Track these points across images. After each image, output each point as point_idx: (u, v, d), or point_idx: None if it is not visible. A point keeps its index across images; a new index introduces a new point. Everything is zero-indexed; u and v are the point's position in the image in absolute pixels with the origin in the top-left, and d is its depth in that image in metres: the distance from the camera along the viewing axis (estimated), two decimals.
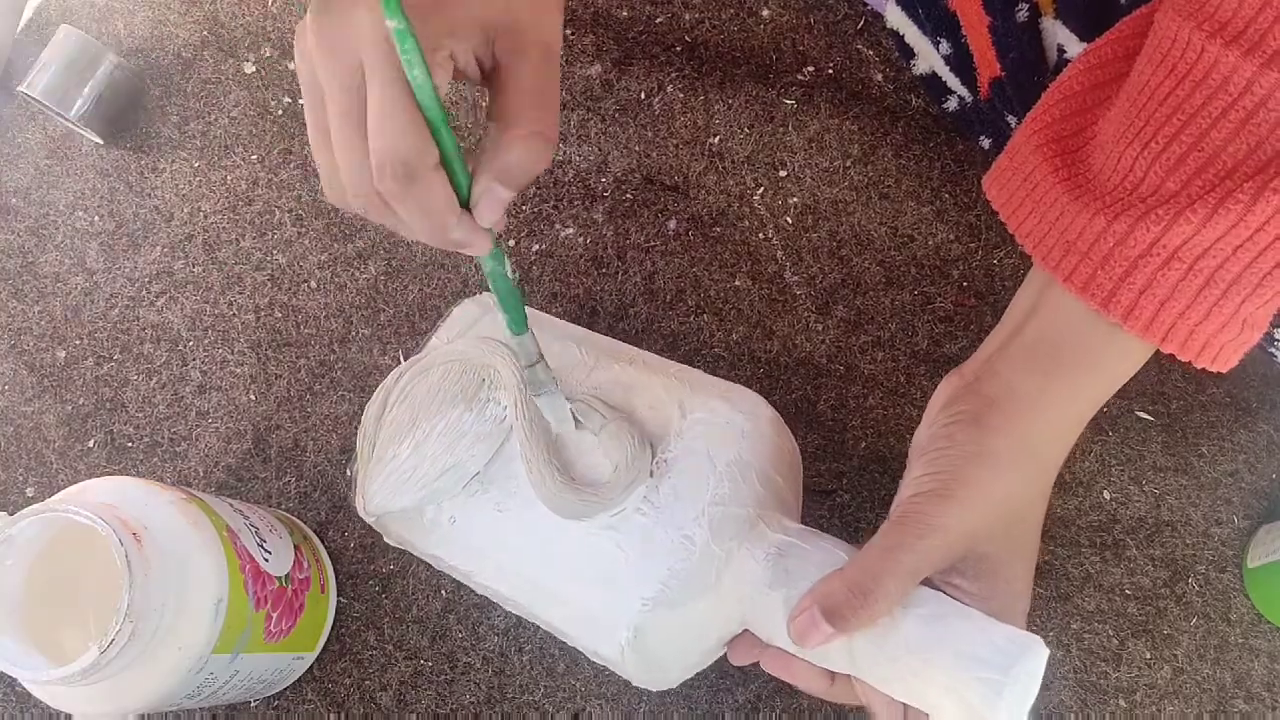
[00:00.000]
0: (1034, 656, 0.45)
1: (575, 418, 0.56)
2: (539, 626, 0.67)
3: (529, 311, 0.57)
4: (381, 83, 0.42)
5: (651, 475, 0.54)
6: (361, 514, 0.59)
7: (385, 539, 0.61)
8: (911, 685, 0.47)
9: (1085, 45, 0.59)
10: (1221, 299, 0.44)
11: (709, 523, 0.52)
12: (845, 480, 0.69)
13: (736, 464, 0.54)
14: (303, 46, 0.44)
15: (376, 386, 0.72)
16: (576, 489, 0.54)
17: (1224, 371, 0.47)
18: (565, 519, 0.54)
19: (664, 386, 0.57)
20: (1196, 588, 0.66)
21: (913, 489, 0.48)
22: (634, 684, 0.55)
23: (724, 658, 0.56)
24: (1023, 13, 0.62)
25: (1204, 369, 0.47)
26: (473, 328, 0.61)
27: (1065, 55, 0.61)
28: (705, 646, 0.55)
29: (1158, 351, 0.46)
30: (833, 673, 0.52)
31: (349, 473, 0.60)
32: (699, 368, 0.70)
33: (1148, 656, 0.65)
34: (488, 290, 0.57)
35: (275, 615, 0.61)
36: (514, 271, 0.51)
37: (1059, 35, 0.61)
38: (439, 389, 0.59)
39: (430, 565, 0.68)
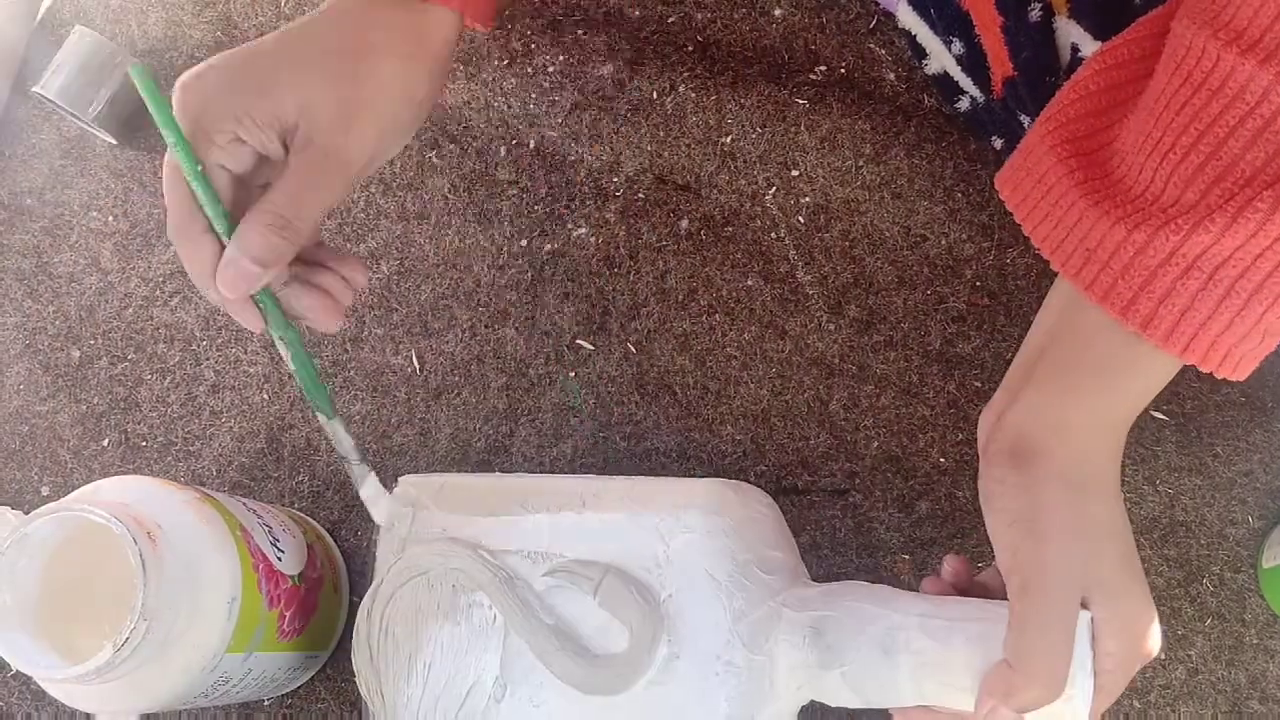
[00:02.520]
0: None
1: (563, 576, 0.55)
2: None
3: (453, 482, 0.59)
4: (169, 164, 0.50)
5: (665, 619, 0.53)
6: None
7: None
8: None
9: (1099, 44, 0.59)
10: (1244, 309, 0.44)
11: (741, 641, 0.52)
12: (858, 480, 0.69)
13: (738, 569, 0.53)
14: None
15: (390, 385, 0.72)
16: (603, 665, 0.52)
17: (1242, 379, 0.47)
18: (598, 695, 0.52)
19: (630, 520, 0.55)
20: (1211, 588, 0.65)
21: (1009, 558, 0.48)
22: None
23: None
24: (1035, 12, 0.61)
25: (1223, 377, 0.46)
26: (411, 529, 0.58)
27: (1079, 54, 0.60)
28: None
29: None
30: None
31: None
32: (711, 368, 0.70)
33: (1162, 657, 0.65)
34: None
35: (288, 614, 0.61)
36: (301, 354, 0.55)
37: (1072, 34, 0.61)
38: (415, 611, 0.56)
39: None
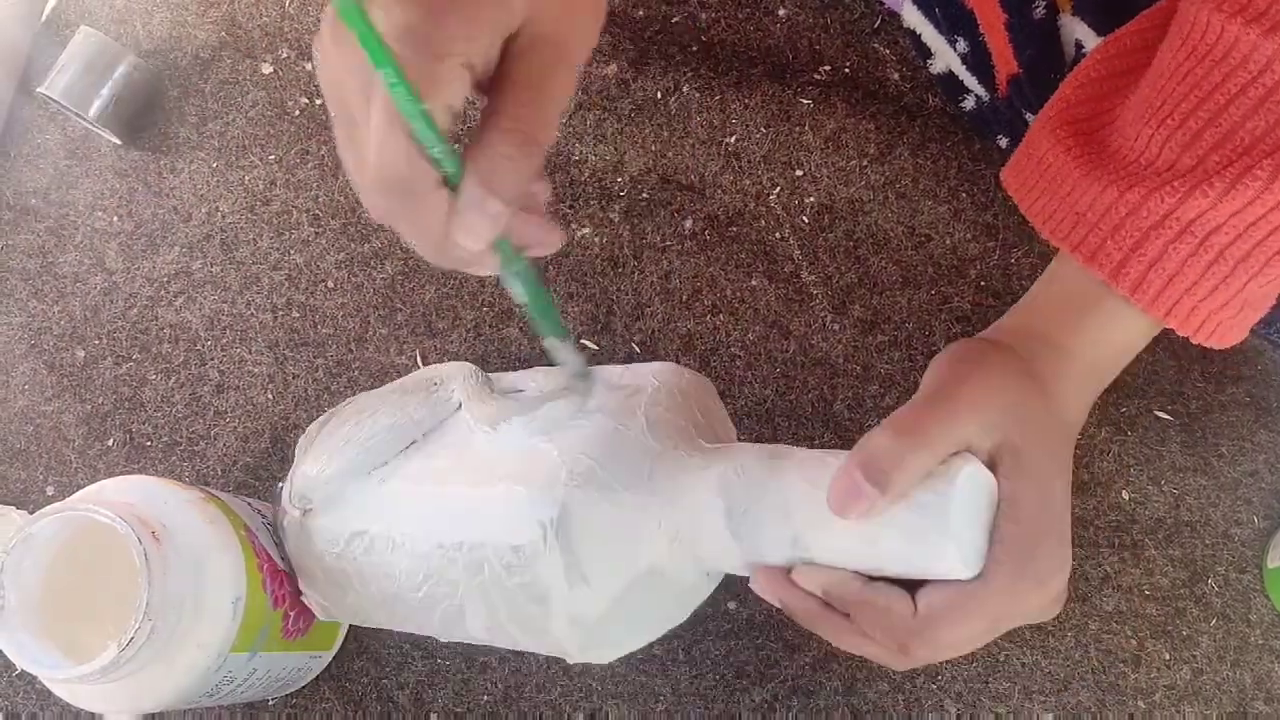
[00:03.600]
0: (971, 467, 0.43)
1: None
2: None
3: None
4: (381, 106, 0.40)
5: (597, 392, 0.54)
6: (289, 512, 0.58)
7: (311, 606, 0.60)
8: (863, 549, 0.45)
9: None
10: (1229, 276, 0.44)
11: (646, 417, 0.52)
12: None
13: (676, 390, 0.54)
14: (321, 55, 0.42)
15: None
16: (505, 394, 0.55)
17: (1220, 347, 0.46)
18: (497, 422, 0.54)
19: (609, 367, 0.59)
20: (1216, 588, 0.65)
21: (934, 373, 0.46)
22: (563, 643, 0.51)
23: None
24: (1039, 9, 0.61)
25: (1201, 346, 0.46)
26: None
27: (1083, 51, 0.60)
28: (636, 569, 0.50)
29: (1176, 352, 0.46)
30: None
31: (277, 488, 0.59)
32: (715, 368, 0.70)
33: (1167, 658, 0.65)
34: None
35: (293, 614, 0.61)
36: (532, 277, 0.48)
37: (1077, 31, 0.61)
38: (386, 393, 0.60)
39: None
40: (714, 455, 0.50)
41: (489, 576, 0.51)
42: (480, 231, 0.42)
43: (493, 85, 0.43)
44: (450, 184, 0.42)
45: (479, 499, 0.52)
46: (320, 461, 0.57)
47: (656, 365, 0.57)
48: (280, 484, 0.60)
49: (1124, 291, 0.45)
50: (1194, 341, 0.46)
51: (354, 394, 0.73)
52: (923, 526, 0.43)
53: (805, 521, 0.46)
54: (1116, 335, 0.48)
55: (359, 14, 0.38)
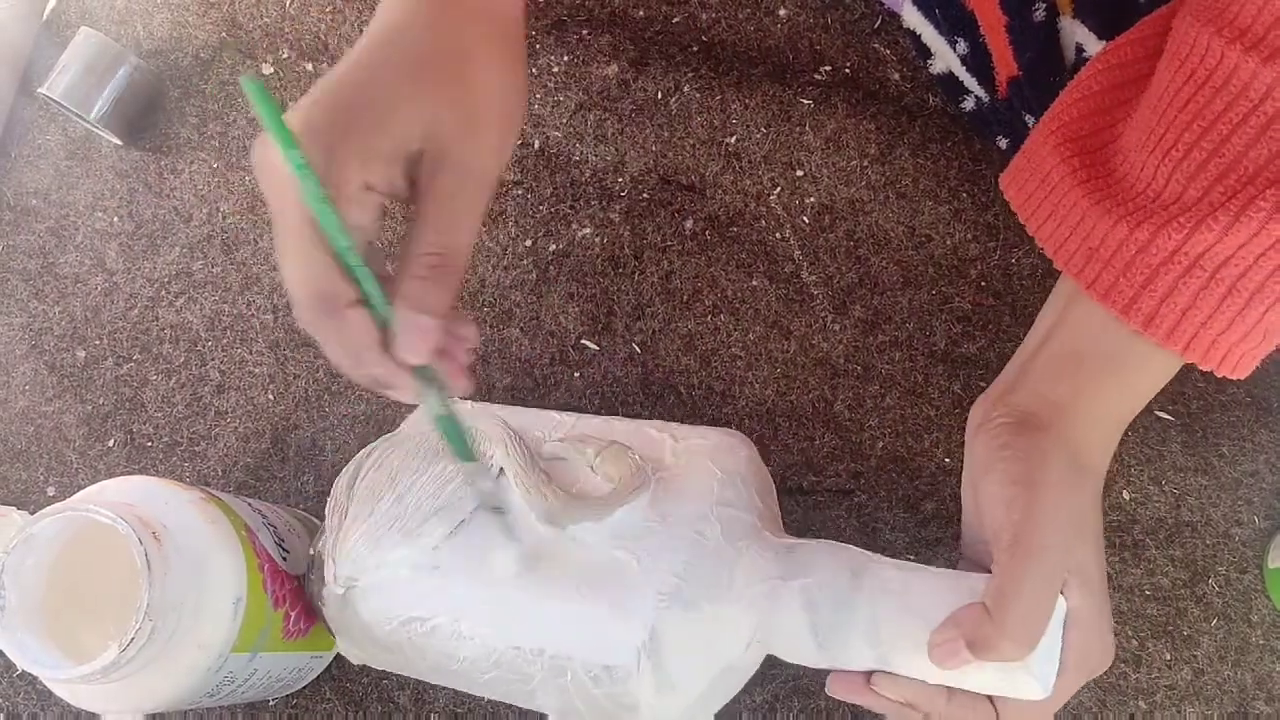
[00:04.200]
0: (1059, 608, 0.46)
1: (560, 456, 0.56)
2: None
3: (496, 409, 0.59)
4: (294, 221, 0.42)
5: (653, 486, 0.53)
6: (330, 586, 0.56)
7: (347, 654, 0.58)
8: (948, 675, 0.47)
9: (1104, 44, 0.59)
10: (1245, 308, 0.44)
11: (719, 521, 0.52)
12: (862, 480, 0.69)
13: (737, 475, 0.54)
14: (261, 160, 0.44)
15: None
16: (576, 498, 0.53)
17: (1242, 378, 0.47)
18: (565, 525, 0.53)
19: (650, 427, 0.57)
20: (1217, 588, 0.65)
21: (1003, 516, 0.47)
22: (644, 713, 0.52)
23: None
24: (1039, 12, 0.61)
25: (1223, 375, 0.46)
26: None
27: (1084, 54, 0.60)
28: (714, 670, 0.53)
29: None
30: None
31: (311, 551, 0.57)
32: (715, 368, 0.70)
33: (1168, 658, 0.64)
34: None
35: (293, 614, 0.61)
36: (449, 403, 0.49)
37: (1077, 34, 0.61)
38: (418, 450, 0.57)
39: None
40: (791, 563, 0.51)
41: (572, 681, 0.52)
42: (416, 346, 0.44)
43: (414, 208, 0.45)
44: (366, 303, 0.44)
45: (562, 614, 0.52)
46: (364, 543, 0.55)
47: (711, 441, 0.56)
48: (311, 550, 0.58)
49: (1137, 326, 0.45)
50: (1218, 374, 0.46)
51: (354, 394, 0.73)
52: (1011, 667, 0.46)
53: (892, 645, 0.48)
54: (1142, 382, 0.48)
55: (260, 91, 0.39)
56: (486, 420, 0.57)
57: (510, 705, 0.67)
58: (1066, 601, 0.47)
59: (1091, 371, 0.48)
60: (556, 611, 0.52)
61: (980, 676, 0.46)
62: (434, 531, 0.54)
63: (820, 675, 0.65)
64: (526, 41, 0.51)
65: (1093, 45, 0.60)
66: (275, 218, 0.44)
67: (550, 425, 0.59)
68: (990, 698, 0.48)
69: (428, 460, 0.56)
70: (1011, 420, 0.49)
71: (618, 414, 0.70)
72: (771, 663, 0.65)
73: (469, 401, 0.62)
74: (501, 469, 0.55)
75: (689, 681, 0.52)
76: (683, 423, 0.60)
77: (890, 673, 0.49)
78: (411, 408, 0.67)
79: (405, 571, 0.54)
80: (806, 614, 0.50)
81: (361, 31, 0.78)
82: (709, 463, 0.54)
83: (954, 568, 0.52)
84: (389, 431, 0.72)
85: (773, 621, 0.51)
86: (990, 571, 0.47)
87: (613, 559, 0.52)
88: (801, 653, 0.51)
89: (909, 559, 0.66)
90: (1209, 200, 0.43)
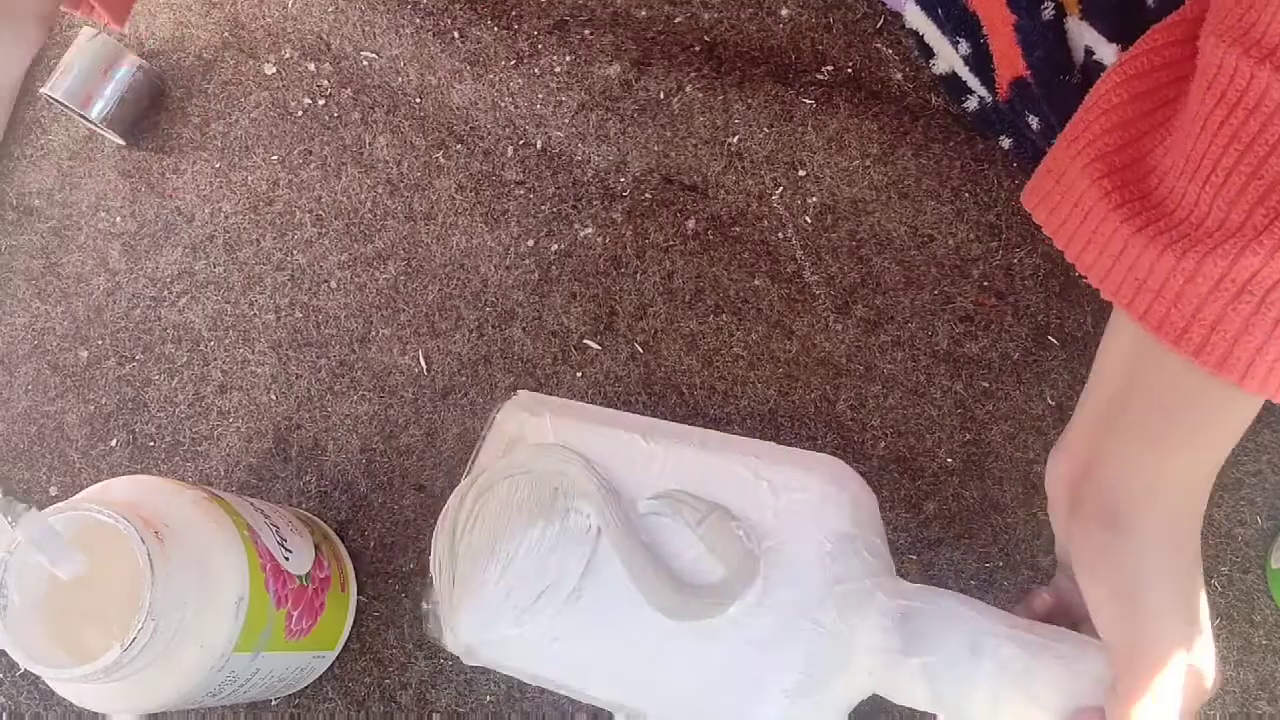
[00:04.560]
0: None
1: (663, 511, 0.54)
2: None
3: (573, 406, 0.59)
4: None
5: (762, 570, 0.52)
6: (450, 648, 0.56)
7: (468, 661, 0.58)
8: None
9: (1113, 46, 0.59)
10: None
11: (835, 603, 0.51)
12: (865, 480, 0.68)
13: (846, 539, 0.52)
14: None
15: (397, 385, 0.72)
16: (691, 592, 0.52)
17: None
18: (681, 621, 0.52)
19: (746, 468, 0.55)
20: (1219, 589, 0.65)
21: (1113, 631, 0.47)
22: None
23: None
24: (1048, 11, 0.61)
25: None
26: (521, 432, 0.58)
27: (1094, 56, 0.60)
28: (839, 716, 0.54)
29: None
30: None
31: (425, 605, 0.58)
32: (718, 368, 0.70)
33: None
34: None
35: (296, 614, 0.61)
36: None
37: (1086, 36, 0.60)
38: (511, 505, 0.56)
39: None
40: (909, 635, 0.51)
41: None
42: None
43: None
44: None
45: (687, 705, 0.52)
46: (479, 619, 0.55)
47: (813, 493, 0.53)
48: (425, 605, 0.58)
49: (1188, 355, 0.44)
50: (1277, 402, 0.45)
51: (357, 394, 0.73)
52: None
53: (1011, 717, 0.49)
54: (1225, 430, 0.47)
55: None
56: (577, 470, 0.55)
57: (513, 706, 0.67)
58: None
59: (1178, 429, 0.47)
60: (680, 693, 0.52)
61: None
62: (546, 609, 0.54)
63: None
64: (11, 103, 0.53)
65: (1102, 47, 0.59)
66: None
67: (635, 458, 0.56)
68: None
69: (523, 520, 0.55)
70: (1102, 510, 0.48)
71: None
72: None
73: (550, 446, 0.58)
74: (599, 530, 0.54)
75: None
76: (772, 451, 0.57)
77: None
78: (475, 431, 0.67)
79: (528, 643, 0.54)
80: (927, 688, 0.50)
81: (362, 31, 0.78)
82: (816, 531, 0.52)
83: (1047, 605, 0.53)
84: (390, 433, 0.72)
85: (893, 689, 0.52)
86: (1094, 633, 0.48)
87: (731, 647, 0.51)
88: (920, 706, 0.52)
89: (911, 559, 0.66)
90: (1252, 224, 0.43)
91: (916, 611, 0.51)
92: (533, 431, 0.58)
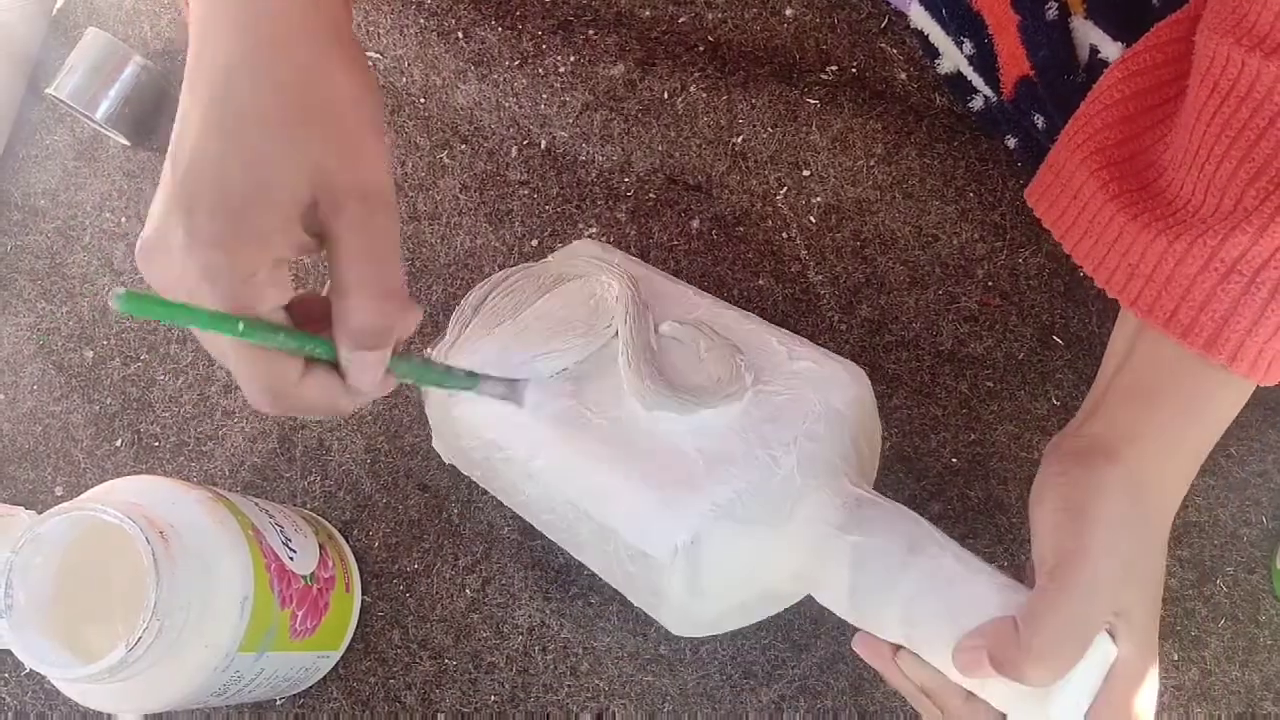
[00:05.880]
0: (1100, 649, 0.45)
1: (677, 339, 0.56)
2: (563, 628, 0.67)
3: (643, 271, 0.60)
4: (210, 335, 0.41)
5: (748, 397, 0.53)
6: (427, 385, 0.58)
7: (439, 450, 0.59)
8: (969, 680, 0.47)
9: (1118, 45, 0.59)
10: None
11: (799, 452, 0.51)
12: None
13: (835, 414, 0.53)
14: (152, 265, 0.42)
15: (401, 385, 0.72)
16: (670, 386, 0.53)
17: None
18: (650, 410, 0.53)
19: (774, 337, 0.56)
20: (1225, 589, 0.65)
21: (1050, 541, 0.46)
22: (664, 620, 0.54)
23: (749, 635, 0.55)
24: (1052, 11, 0.61)
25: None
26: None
27: (1099, 55, 0.60)
28: (751, 591, 0.53)
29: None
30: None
31: (428, 351, 0.59)
32: None
33: (1175, 658, 0.64)
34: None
35: (300, 614, 0.61)
36: (435, 363, 0.51)
37: (1090, 35, 0.60)
38: (548, 289, 0.59)
39: (453, 563, 0.69)
40: (854, 517, 0.51)
41: (612, 551, 0.53)
42: (374, 381, 0.44)
43: (328, 250, 0.43)
44: (319, 358, 0.43)
45: (617, 489, 0.52)
46: (474, 359, 0.57)
47: (824, 370, 0.54)
48: (429, 351, 0.59)
49: (1176, 337, 0.44)
50: (1265, 384, 0.45)
51: None
52: (1032, 694, 0.45)
53: (923, 632, 0.48)
54: (1213, 411, 0.47)
55: (141, 303, 0.38)
56: (619, 281, 0.57)
57: (517, 706, 0.67)
58: (1116, 649, 0.46)
59: (1162, 402, 0.47)
60: (613, 484, 0.52)
61: (1001, 691, 0.46)
62: (535, 371, 0.56)
63: (827, 678, 0.65)
64: (353, 29, 0.48)
65: (1107, 46, 0.59)
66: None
67: (684, 304, 0.58)
68: (1005, 716, 0.47)
69: (552, 299, 0.58)
70: (1076, 449, 0.48)
71: None
72: (778, 662, 0.65)
73: (598, 257, 0.60)
74: (616, 332, 0.56)
75: (721, 593, 0.52)
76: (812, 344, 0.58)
77: (916, 655, 0.48)
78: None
79: (498, 401, 0.55)
80: (850, 572, 0.50)
81: (366, 31, 0.78)
82: (811, 392, 0.53)
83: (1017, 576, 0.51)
84: (395, 433, 0.72)
85: (817, 566, 0.51)
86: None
87: (681, 453, 0.52)
88: (836, 605, 0.51)
89: None
90: (1243, 205, 0.43)
91: (870, 502, 0.51)
92: (596, 256, 0.61)
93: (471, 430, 0.57)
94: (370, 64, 0.78)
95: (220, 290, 0.39)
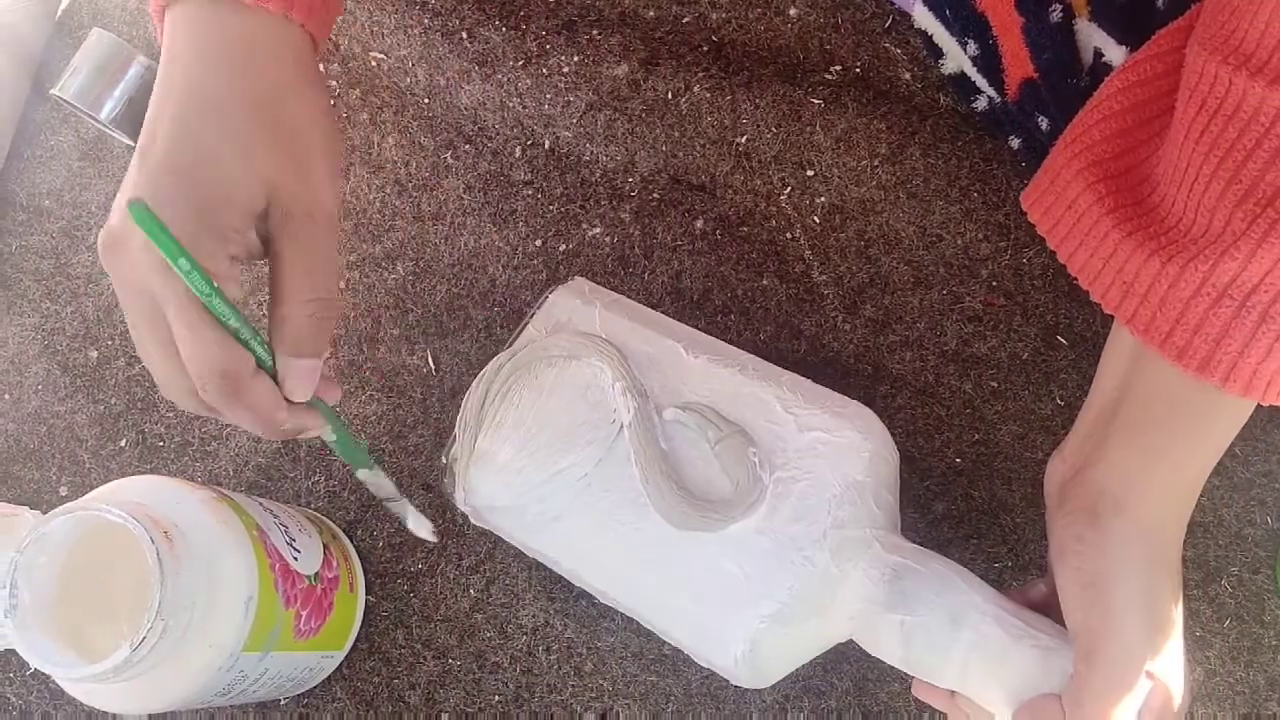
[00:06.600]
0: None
1: (685, 424, 0.56)
2: (567, 628, 0.67)
3: (625, 303, 0.61)
4: (177, 308, 0.44)
5: (769, 493, 0.53)
6: (459, 505, 0.60)
7: (474, 521, 0.61)
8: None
9: (1122, 48, 0.59)
10: None
11: (830, 545, 0.52)
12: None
13: (856, 487, 0.53)
14: (113, 257, 0.46)
15: (405, 385, 0.73)
16: (695, 504, 0.53)
17: None
18: (680, 529, 0.53)
19: (778, 400, 0.56)
20: (1229, 589, 0.65)
21: (1078, 617, 0.48)
22: (733, 683, 0.56)
23: None
24: (1056, 13, 0.61)
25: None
26: (570, 318, 0.61)
27: (1103, 59, 0.60)
28: (809, 657, 0.56)
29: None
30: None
31: (444, 459, 0.60)
32: None
33: None
34: (564, 280, 0.57)
35: (304, 614, 0.61)
36: (346, 430, 0.55)
37: (1095, 38, 0.60)
38: (544, 386, 0.58)
39: (457, 563, 0.69)
40: (895, 592, 0.52)
41: (667, 634, 0.57)
42: (304, 387, 0.48)
43: (270, 261, 0.48)
44: (261, 364, 0.47)
45: (666, 604, 0.55)
46: (492, 485, 0.58)
47: (837, 438, 0.54)
48: (444, 458, 0.60)
49: (1171, 359, 0.45)
50: (1264, 404, 0.45)
51: (364, 395, 0.73)
52: None
53: (974, 691, 0.50)
54: (1213, 435, 0.48)
55: (151, 218, 0.42)
56: (612, 368, 0.57)
57: (521, 706, 0.67)
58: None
59: (1170, 435, 0.48)
60: (662, 600, 0.55)
61: None
62: (556, 490, 0.56)
63: (831, 678, 0.65)
64: (318, 66, 0.53)
65: (1111, 49, 0.59)
66: (135, 311, 0.46)
67: (679, 370, 0.58)
68: None
69: (553, 402, 0.58)
70: (1087, 505, 0.49)
71: None
72: None
73: (593, 337, 0.60)
74: (622, 426, 0.56)
75: (781, 672, 0.56)
76: (810, 391, 0.58)
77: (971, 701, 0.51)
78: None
79: (526, 513, 0.57)
80: (900, 648, 0.52)
81: (371, 32, 0.78)
82: (829, 473, 0.53)
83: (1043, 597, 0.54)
84: (399, 433, 0.72)
85: (869, 639, 0.53)
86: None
87: (722, 567, 0.53)
88: (889, 660, 0.53)
89: None
90: (1232, 228, 0.43)
91: (908, 570, 0.52)
92: (581, 319, 0.60)
93: (514, 536, 0.60)
94: (374, 64, 0.78)
95: (179, 279, 0.43)
